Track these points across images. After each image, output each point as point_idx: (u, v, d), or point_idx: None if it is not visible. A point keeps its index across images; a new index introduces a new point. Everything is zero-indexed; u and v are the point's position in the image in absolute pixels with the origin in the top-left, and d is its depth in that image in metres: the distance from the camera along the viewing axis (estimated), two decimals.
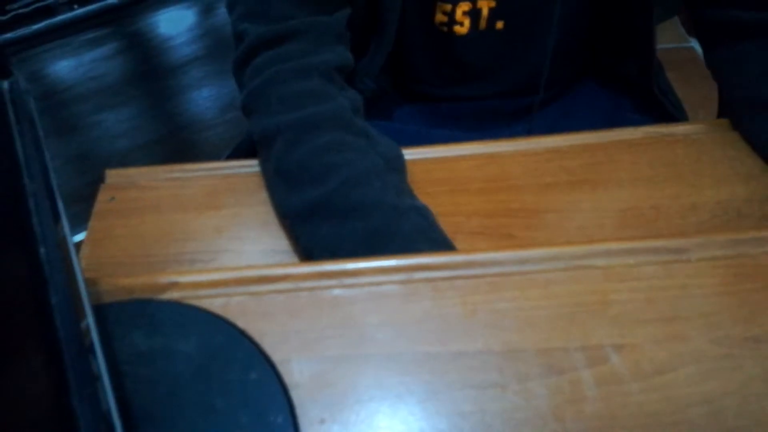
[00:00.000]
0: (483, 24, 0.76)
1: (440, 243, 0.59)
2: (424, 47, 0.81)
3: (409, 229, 0.58)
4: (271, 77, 0.66)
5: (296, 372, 0.46)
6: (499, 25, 0.77)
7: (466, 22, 0.76)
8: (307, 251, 0.59)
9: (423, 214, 0.60)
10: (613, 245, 0.51)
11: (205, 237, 0.63)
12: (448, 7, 0.75)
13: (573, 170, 0.64)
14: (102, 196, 0.67)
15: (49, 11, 2.36)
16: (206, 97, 2.17)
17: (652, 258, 0.50)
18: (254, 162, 0.69)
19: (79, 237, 0.62)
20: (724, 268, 0.49)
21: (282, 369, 0.46)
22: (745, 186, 0.61)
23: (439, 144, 0.68)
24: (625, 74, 0.85)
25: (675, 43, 2.08)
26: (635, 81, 0.83)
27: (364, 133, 0.65)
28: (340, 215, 0.59)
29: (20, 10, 2.30)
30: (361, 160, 0.62)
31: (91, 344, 0.38)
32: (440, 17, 0.76)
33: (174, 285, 0.51)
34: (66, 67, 2.30)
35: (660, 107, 0.82)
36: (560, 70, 0.82)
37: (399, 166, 0.64)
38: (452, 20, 0.76)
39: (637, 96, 0.85)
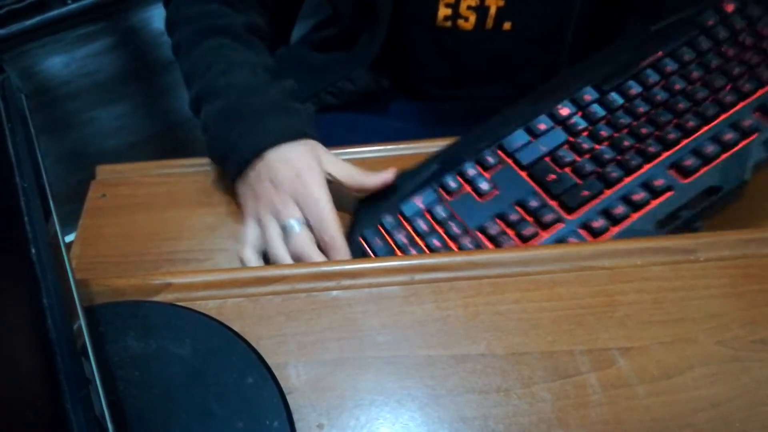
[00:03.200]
0: (490, 23, 0.75)
1: (293, 112, 0.64)
2: (426, 44, 0.80)
3: (260, 104, 0.64)
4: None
5: (293, 376, 0.45)
6: (507, 26, 0.75)
7: (472, 18, 0.75)
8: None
9: (284, 90, 0.66)
10: (620, 245, 0.50)
11: (199, 235, 0.62)
12: None
13: None
14: (93, 193, 0.66)
15: (42, 7, 2.34)
16: None
17: (660, 258, 0.49)
18: None
19: (71, 237, 0.61)
20: (733, 269, 0.49)
21: (279, 373, 0.45)
22: (752, 184, 0.60)
23: (438, 138, 0.67)
24: None
25: None
26: None
27: (249, 43, 0.73)
28: (210, 98, 0.66)
29: (13, 6, 2.28)
30: (236, 55, 0.70)
31: (84, 347, 0.37)
32: (444, 11, 0.75)
33: (168, 286, 0.50)
34: (58, 63, 2.30)
35: None
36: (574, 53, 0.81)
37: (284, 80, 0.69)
38: (456, 14, 0.75)
39: None
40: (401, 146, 0.68)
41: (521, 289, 0.49)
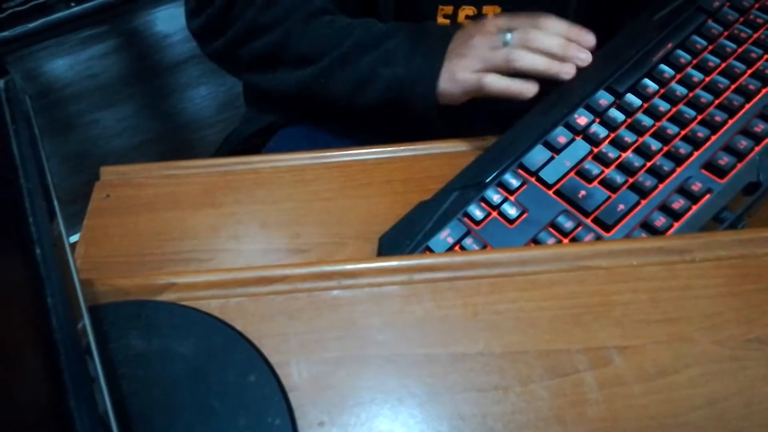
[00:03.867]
0: None
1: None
2: None
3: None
4: None
5: (295, 374, 0.46)
6: None
7: None
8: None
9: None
10: (616, 245, 0.50)
11: (202, 236, 0.62)
12: (449, 9, 0.74)
13: None
14: (97, 194, 0.66)
15: (45, 9, 2.34)
16: (203, 96, 2.17)
17: (656, 258, 0.50)
18: (252, 159, 0.69)
19: (75, 237, 0.61)
20: (728, 269, 0.49)
21: (280, 371, 0.46)
22: None
23: (439, 140, 0.67)
24: None
25: None
26: None
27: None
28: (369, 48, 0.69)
29: (17, 8, 2.29)
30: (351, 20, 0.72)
31: (88, 346, 0.37)
32: (442, 21, 0.75)
33: (171, 286, 0.51)
34: (62, 65, 2.30)
35: None
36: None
37: None
38: (455, 25, 0.75)
39: None
40: (401, 148, 0.68)
41: (519, 289, 0.49)
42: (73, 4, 2.37)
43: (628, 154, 0.57)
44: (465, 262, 0.51)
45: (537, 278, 0.50)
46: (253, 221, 0.63)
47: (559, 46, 0.59)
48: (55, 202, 0.42)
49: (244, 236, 0.62)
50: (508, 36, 0.59)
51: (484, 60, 0.62)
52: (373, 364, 0.46)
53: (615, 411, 0.43)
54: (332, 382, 0.45)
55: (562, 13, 0.74)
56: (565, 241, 0.55)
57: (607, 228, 0.55)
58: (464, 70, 0.63)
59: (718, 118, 0.57)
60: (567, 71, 0.61)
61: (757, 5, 0.61)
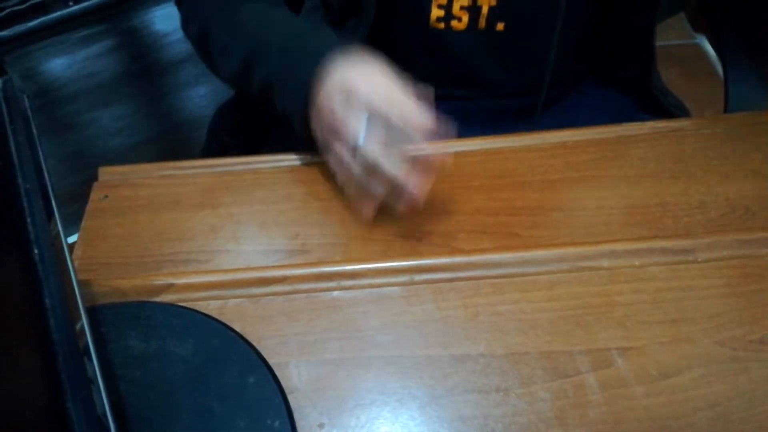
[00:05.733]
0: (482, 23, 0.75)
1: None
2: (420, 45, 0.80)
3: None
4: None
5: (294, 376, 0.46)
6: (500, 26, 0.75)
7: (465, 18, 0.75)
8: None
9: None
10: (618, 246, 0.50)
11: (201, 237, 0.62)
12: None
13: (578, 166, 0.63)
14: (95, 195, 0.66)
15: (43, 8, 2.34)
16: (202, 95, 2.17)
17: (658, 259, 0.49)
18: (252, 159, 0.68)
19: (74, 238, 0.61)
20: (731, 269, 0.49)
21: (280, 373, 0.45)
22: (753, 183, 0.60)
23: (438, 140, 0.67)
24: (625, 77, 0.84)
25: (681, 39, 2.07)
26: (636, 83, 0.83)
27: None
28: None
29: (14, 8, 2.28)
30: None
31: (86, 347, 0.37)
32: (436, 12, 0.75)
33: (169, 287, 0.51)
34: (60, 64, 2.29)
35: (661, 108, 0.82)
36: (562, 72, 0.81)
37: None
38: (449, 15, 0.75)
39: (639, 97, 0.84)
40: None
41: (520, 290, 0.49)
42: (71, 4, 2.36)
43: None
44: (465, 262, 0.51)
45: (538, 279, 0.49)
46: (252, 222, 0.63)
47: (397, 179, 0.58)
48: (53, 202, 0.42)
49: (244, 237, 0.62)
50: (360, 140, 0.58)
51: (336, 165, 0.61)
52: (373, 366, 0.46)
53: (617, 413, 0.43)
54: (332, 384, 0.45)
55: (556, 8, 0.74)
56: None
57: None
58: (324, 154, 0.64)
59: None
60: (367, 212, 0.61)
61: None
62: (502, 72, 0.81)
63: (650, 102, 0.82)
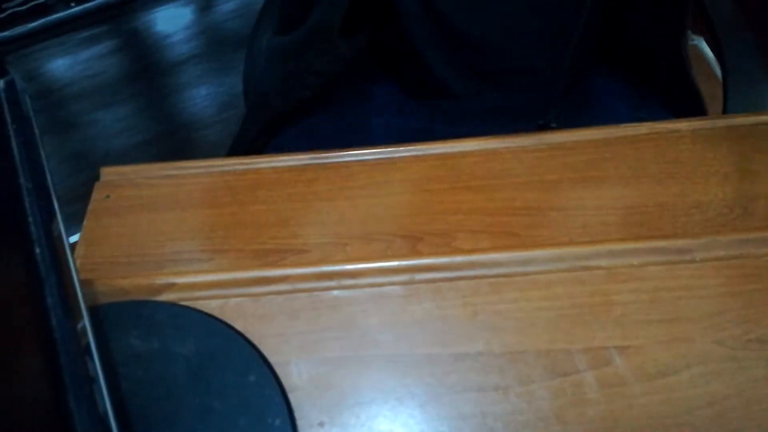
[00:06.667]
0: None
1: None
2: (432, 42, 0.80)
3: None
4: None
5: (295, 374, 0.46)
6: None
7: None
8: None
9: None
10: (616, 246, 0.50)
11: (202, 236, 0.62)
12: None
13: (577, 167, 0.63)
14: (97, 194, 0.66)
15: (45, 9, 2.34)
16: (204, 96, 2.17)
17: (656, 258, 0.50)
18: (252, 159, 0.68)
19: (75, 237, 0.61)
20: (729, 269, 0.49)
21: (280, 371, 0.46)
22: (751, 183, 0.60)
23: (440, 140, 0.67)
24: (651, 58, 0.83)
25: None
26: (662, 63, 0.81)
27: None
28: None
29: (17, 9, 2.29)
30: None
31: (88, 346, 0.37)
32: None
33: (171, 286, 0.51)
34: (62, 65, 2.29)
35: (689, 93, 0.80)
36: (583, 47, 0.80)
37: None
38: None
39: (665, 86, 0.83)
40: (401, 148, 0.68)
41: (519, 289, 0.49)
42: (73, 5, 2.37)
43: None
44: (465, 262, 0.51)
45: (537, 278, 0.50)
46: (253, 221, 0.63)
47: None
48: (55, 202, 0.42)
49: (244, 236, 0.62)
50: None
51: None
52: (373, 365, 0.46)
53: (615, 411, 0.43)
54: (332, 382, 0.45)
55: (572, 7, 0.73)
56: None
57: None
58: None
59: None
60: None
61: None
62: (513, 71, 0.80)
63: (676, 92, 0.81)
